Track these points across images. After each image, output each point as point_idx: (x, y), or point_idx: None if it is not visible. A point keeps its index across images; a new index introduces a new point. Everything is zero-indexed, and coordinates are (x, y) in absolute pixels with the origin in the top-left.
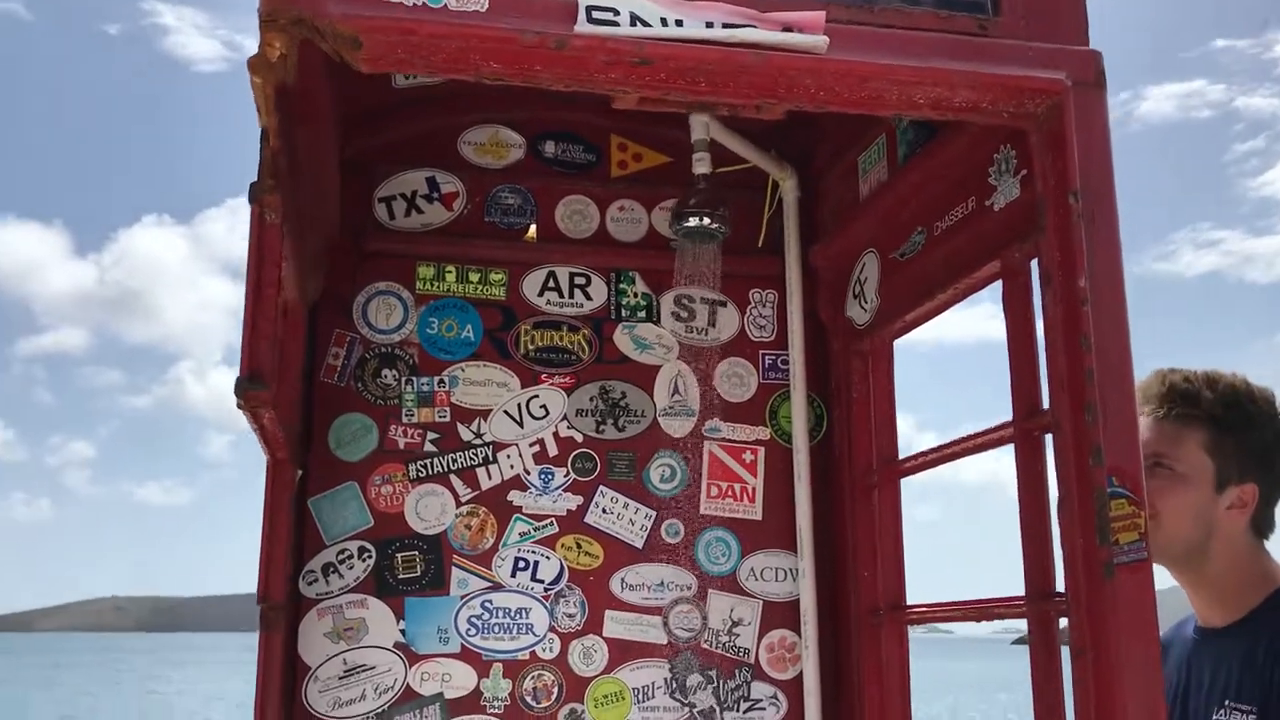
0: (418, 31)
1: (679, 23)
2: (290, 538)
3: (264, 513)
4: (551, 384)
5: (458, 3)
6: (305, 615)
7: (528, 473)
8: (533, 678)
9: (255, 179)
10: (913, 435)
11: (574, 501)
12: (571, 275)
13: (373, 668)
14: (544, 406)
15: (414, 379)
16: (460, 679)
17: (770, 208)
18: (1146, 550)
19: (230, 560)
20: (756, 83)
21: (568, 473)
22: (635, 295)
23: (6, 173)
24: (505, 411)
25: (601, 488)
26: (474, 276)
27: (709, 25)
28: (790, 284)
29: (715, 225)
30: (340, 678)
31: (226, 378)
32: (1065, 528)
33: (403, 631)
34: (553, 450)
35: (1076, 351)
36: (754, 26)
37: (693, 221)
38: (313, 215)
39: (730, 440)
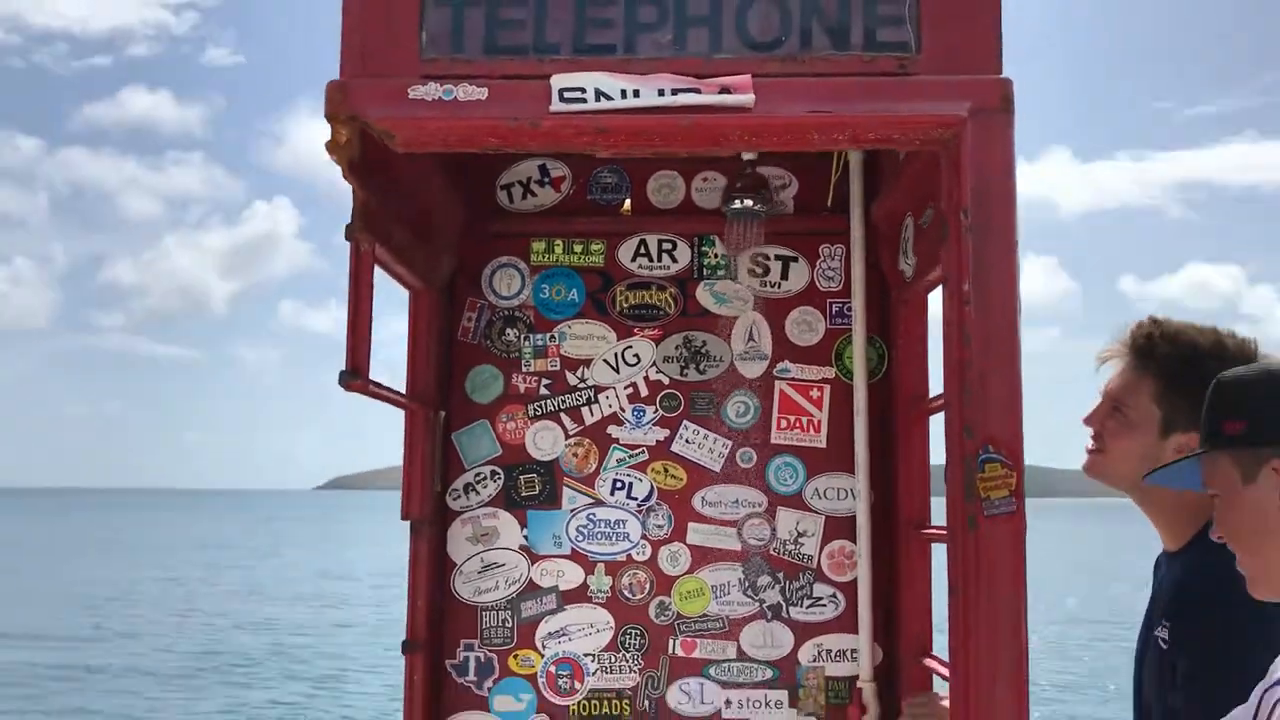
0: (433, 124)
1: (636, 93)
2: (428, 467)
3: (404, 449)
4: (642, 336)
5: (465, 95)
6: (451, 523)
7: (623, 410)
8: (629, 575)
9: (349, 221)
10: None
11: (661, 434)
12: (660, 241)
13: (503, 565)
14: (636, 355)
15: (530, 336)
16: (571, 575)
17: (837, 172)
18: (1017, 504)
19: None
20: (697, 137)
21: (656, 410)
22: (715, 256)
23: None
24: (604, 360)
25: (685, 422)
26: (578, 248)
27: (660, 93)
28: (854, 239)
29: (758, 206)
30: (479, 572)
31: None
32: (948, 487)
33: (525, 537)
34: (643, 391)
35: (958, 344)
36: (697, 91)
37: (738, 204)
38: (429, 223)
39: (799, 379)
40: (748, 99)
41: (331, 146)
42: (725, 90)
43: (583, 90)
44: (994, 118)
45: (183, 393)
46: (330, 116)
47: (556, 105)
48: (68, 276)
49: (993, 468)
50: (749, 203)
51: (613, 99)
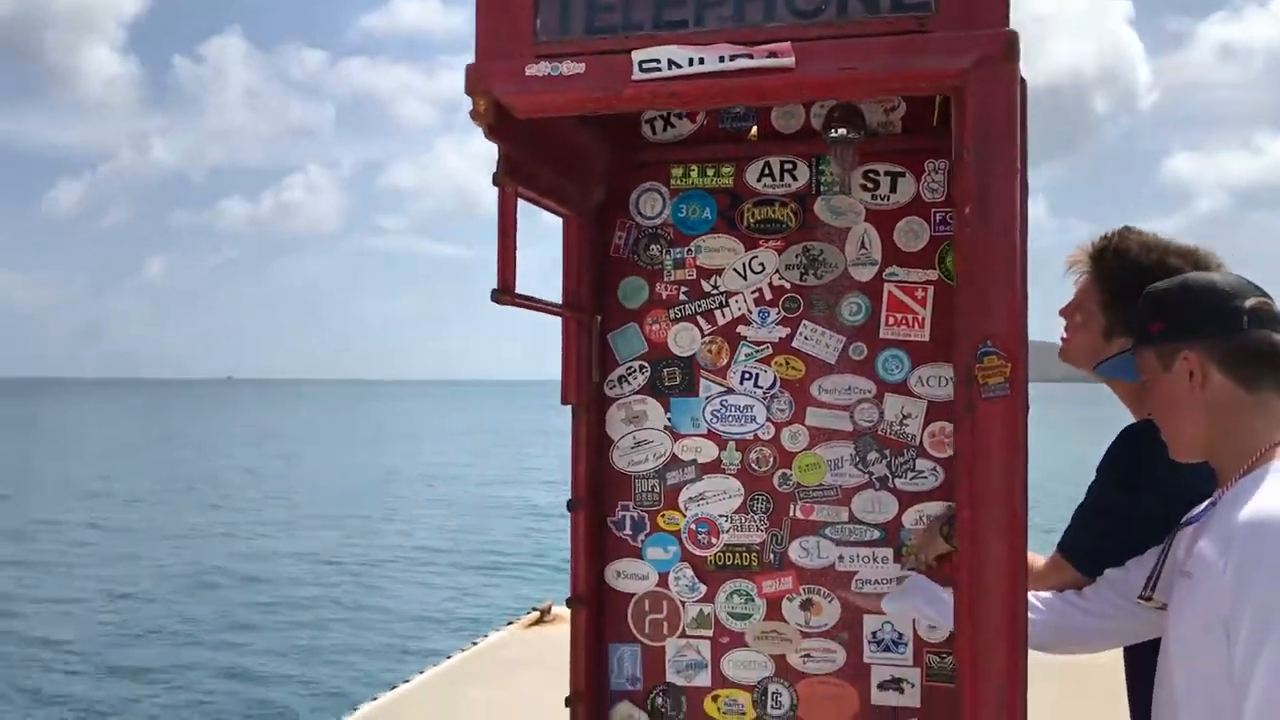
0: (543, 96)
1: (700, 60)
2: (584, 362)
3: (561, 348)
4: (767, 247)
5: (568, 70)
6: (608, 408)
7: (750, 312)
8: (755, 451)
9: (495, 171)
10: None
11: (783, 332)
12: (782, 163)
13: (651, 442)
14: (761, 264)
15: (670, 250)
16: (707, 451)
17: (940, 95)
18: (1011, 390)
19: None
20: (749, 94)
21: (778, 311)
22: (831, 174)
23: None
24: (733, 269)
25: (804, 321)
26: (710, 171)
27: (720, 59)
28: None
29: (853, 134)
30: (631, 447)
31: None
32: (955, 376)
33: (669, 419)
34: (768, 295)
35: (961, 259)
36: (749, 56)
37: (834, 133)
38: (575, 163)
39: (905, 281)
40: (789, 61)
41: (473, 115)
42: (772, 54)
43: (657, 61)
44: (997, 67)
45: (455, 290)
46: (469, 92)
47: (637, 75)
48: (353, 182)
49: (990, 359)
50: (843, 131)
51: (681, 67)
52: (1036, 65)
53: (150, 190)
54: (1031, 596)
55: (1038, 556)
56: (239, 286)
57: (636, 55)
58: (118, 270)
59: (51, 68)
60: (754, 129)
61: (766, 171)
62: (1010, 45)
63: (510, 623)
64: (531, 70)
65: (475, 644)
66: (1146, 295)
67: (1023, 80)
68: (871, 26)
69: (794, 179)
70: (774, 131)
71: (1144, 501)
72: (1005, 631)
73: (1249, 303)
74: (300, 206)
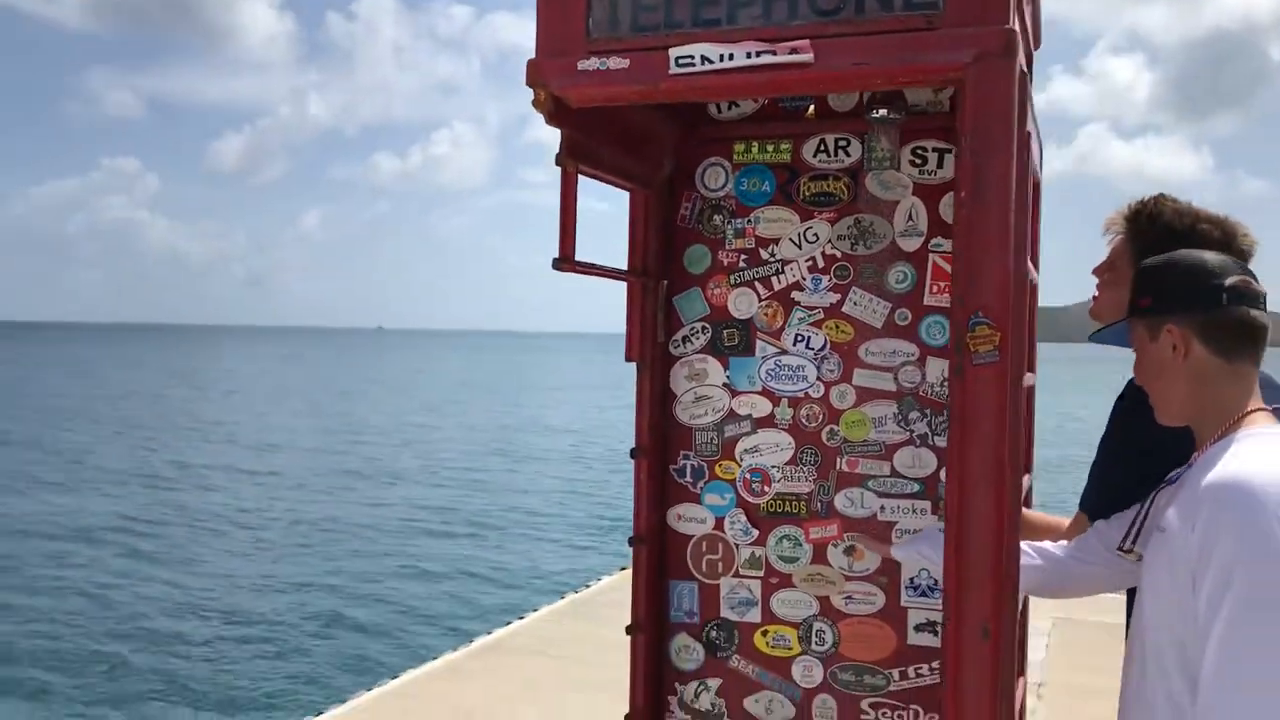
0: (592, 89)
1: (730, 56)
2: (649, 323)
3: (626, 310)
4: (821, 218)
5: (614, 65)
6: (672, 365)
7: (803, 279)
8: (806, 408)
9: (558, 153)
10: None
11: (834, 298)
12: (836, 140)
13: (710, 397)
14: (815, 234)
15: (732, 220)
16: (761, 407)
17: None
18: (1000, 356)
19: None
20: (773, 87)
21: (830, 278)
22: (881, 150)
23: None
24: (789, 239)
25: (854, 288)
26: (769, 147)
27: (747, 55)
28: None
29: (894, 114)
30: (693, 402)
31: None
32: (950, 344)
33: (728, 377)
34: (820, 264)
35: (956, 237)
36: (773, 53)
37: (877, 113)
38: (641, 141)
39: (949, 252)
40: (808, 58)
41: (535, 104)
42: (793, 50)
43: (691, 58)
44: (996, 62)
45: (601, 244)
46: (529, 84)
47: (674, 69)
48: (499, 136)
49: (981, 329)
50: (884, 111)
51: (713, 62)
52: (1203, 11)
53: (307, 144)
54: (1028, 546)
55: (1063, 519)
56: (389, 239)
57: (673, 52)
58: (277, 222)
59: (211, 26)
60: (811, 108)
61: (822, 148)
62: (1009, 42)
63: (624, 568)
64: (583, 65)
65: (589, 586)
66: (1140, 269)
67: (1023, 72)
68: (885, 24)
69: (847, 155)
70: (829, 110)
71: (1150, 457)
72: (990, 578)
73: (1229, 280)
74: (448, 161)
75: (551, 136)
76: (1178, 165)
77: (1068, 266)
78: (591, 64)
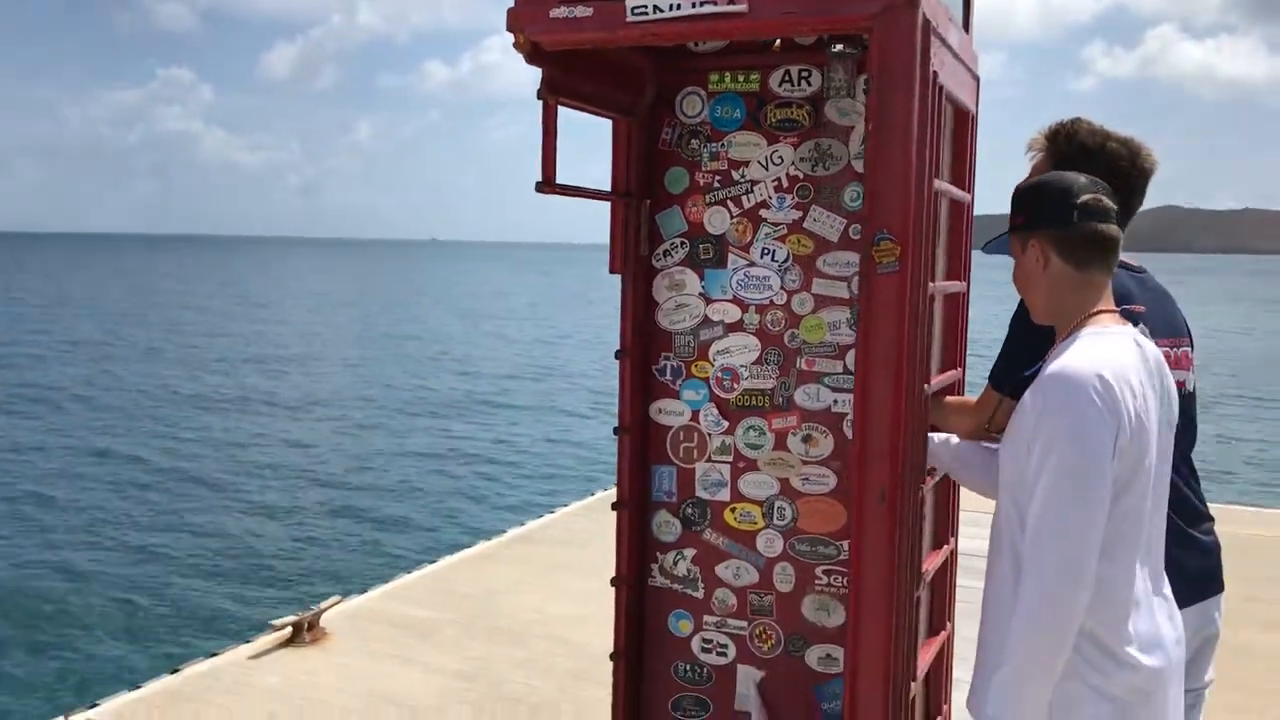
0: (562, 34)
1: (678, 6)
2: (632, 238)
3: (610, 227)
4: (785, 142)
5: (580, 13)
6: (654, 277)
7: (770, 198)
8: (770, 314)
9: (538, 88)
10: None
11: (797, 214)
12: (799, 70)
13: (688, 305)
14: (780, 157)
15: (707, 144)
16: (732, 313)
17: None
18: (900, 266)
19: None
20: (715, 33)
21: (793, 197)
22: (838, 80)
23: None
24: (758, 161)
25: (814, 205)
26: (740, 77)
27: (693, 5)
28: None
29: (850, 50)
30: (673, 309)
31: None
32: (862, 256)
33: (703, 287)
34: (784, 184)
35: (866, 165)
36: (715, 4)
37: (835, 47)
38: (621, 75)
39: None
40: (743, 8)
41: (515, 46)
42: (731, 2)
43: (645, 7)
44: (899, 13)
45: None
46: (509, 29)
47: (630, 18)
48: None
49: (884, 244)
50: (841, 46)
51: (663, 11)
52: None
53: (358, 53)
54: (954, 438)
55: (972, 398)
56: (442, 149)
57: (629, 2)
58: (330, 132)
59: None
60: (778, 41)
61: (786, 78)
62: None
63: None
64: (554, 14)
65: None
66: (1015, 192)
67: (926, 20)
68: None
69: (808, 85)
70: (794, 43)
71: (1046, 342)
72: (889, 452)
73: (1081, 199)
74: (499, 69)
75: None
76: (1251, 68)
77: None
78: (561, 12)
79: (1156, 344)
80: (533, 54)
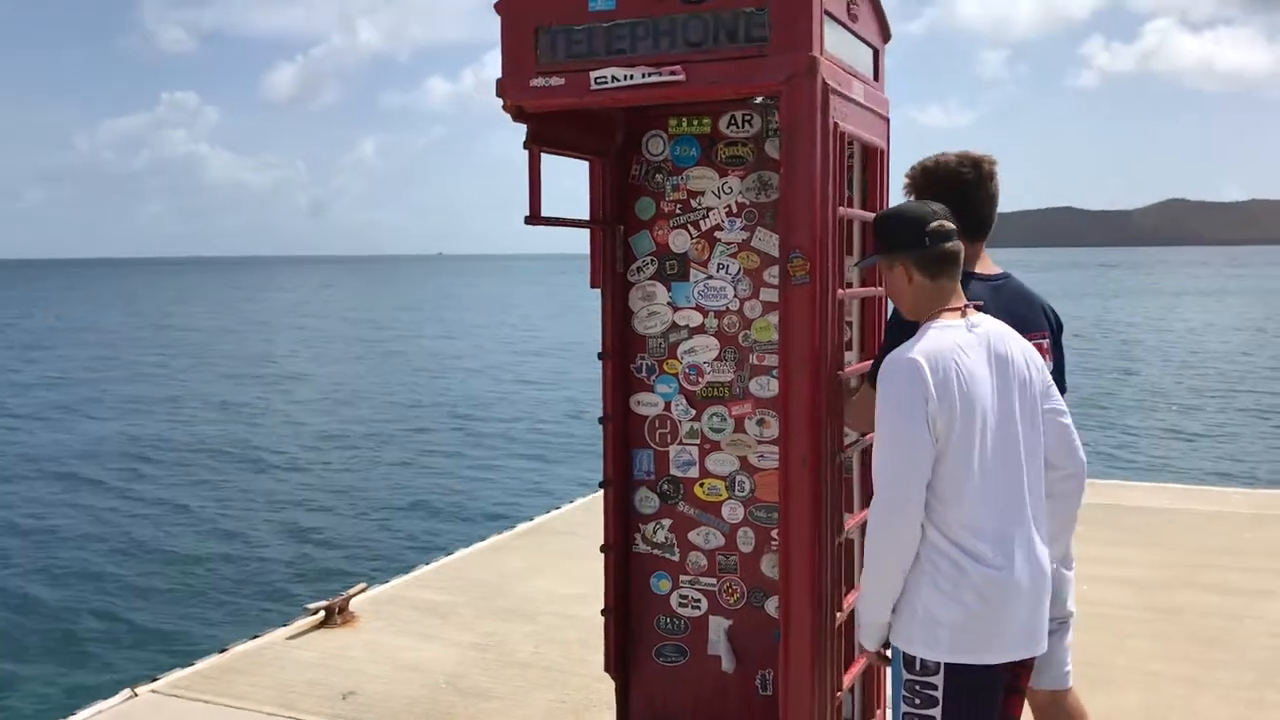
0: (540, 100)
1: (631, 76)
2: (610, 257)
3: (590, 248)
4: (734, 174)
5: (554, 83)
6: (630, 289)
7: (722, 222)
8: (727, 319)
9: (524, 139)
10: None
11: (745, 235)
12: (743, 115)
13: (658, 312)
14: (730, 187)
15: (669, 178)
16: (695, 319)
17: None
18: (811, 279)
19: (1019, 176)
20: (661, 96)
21: (742, 220)
22: (775, 122)
23: None
24: (711, 191)
25: (759, 227)
26: (694, 122)
27: (644, 75)
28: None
29: (770, 99)
30: (646, 316)
31: None
32: (780, 272)
33: (670, 297)
34: (734, 209)
35: (780, 198)
36: (659, 73)
37: (758, 99)
38: (594, 124)
39: None
40: (682, 78)
41: (504, 108)
42: (672, 73)
43: (605, 77)
44: (802, 79)
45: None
46: (497, 95)
47: (593, 86)
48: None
49: (796, 261)
50: (763, 98)
51: (620, 81)
52: None
53: (359, 71)
54: None
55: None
56: (446, 163)
57: (593, 74)
58: (335, 150)
59: None
60: None
61: (732, 122)
62: (810, 66)
63: None
64: (534, 83)
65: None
66: (874, 222)
67: (825, 83)
68: (732, 53)
69: (751, 126)
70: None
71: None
72: (807, 425)
73: (930, 226)
74: None
75: None
76: (1250, 59)
77: (1133, 170)
78: (539, 81)
79: None
80: (518, 114)
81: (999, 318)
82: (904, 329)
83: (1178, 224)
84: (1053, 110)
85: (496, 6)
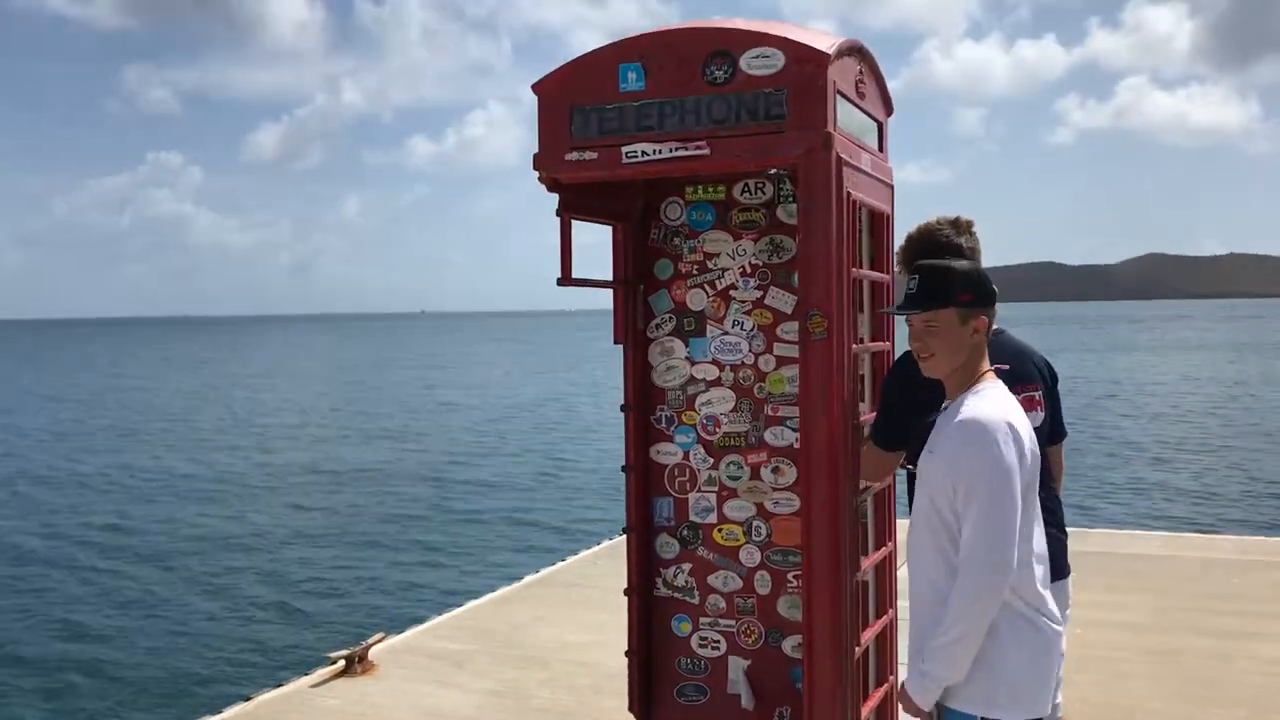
0: (574, 172)
1: (659, 150)
2: (631, 315)
3: (613, 306)
4: (747, 238)
5: (587, 157)
6: (649, 345)
7: (737, 281)
8: (742, 372)
9: (557, 207)
10: None
11: (758, 294)
12: (756, 183)
13: (677, 367)
14: (743, 250)
15: (687, 241)
16: (712, 372)
17: None
18: (828, 334)
19: (1000, 234)
20: (687, 168)
21: (756, 280)
22: (788, 187)
23: None
24: (726, 253)
25: (772, 287)
26: (710, 189)
27: (671, 150)
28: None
29: (784, 170)
30: (665, 370)
31: (973, 51)
32: (799, 328)
33: (688, 352)
34: (748, 270)
35: (799, 260)
36: (685, 148)
37: (772, 170)
38: (619, 191)
39: None
40: (707, 152)
41: (540, 180)
42: (698, 148)
43: (635, 152)
44: (817, 153)
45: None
46: (535, 168)
47: (625, 160)
48: (534, 116)
49: (815, 318)
50: (776, 170)
51: (649, 155)
52: None
53: (343, 131)
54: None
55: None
56: (429, 222)
57: (624, 148)
58: (318, 209)
59: (241, 16)
60: None
61: (746, 189)
62: (826, 141)
63: None
64: (568, 156)
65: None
66: (961, 272)
67: (839, 156)
68: (753, 129)
69: (763, 193)
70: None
71: (920, 398)
72: (828, 470)
73: (991, 285)
74: (483, 142)
75: None
76: (1223, 115)
77: (1112, 225)
78: (573, 155)
79: (1012, 389)
80: (553, 185)
81: (1009, 374)
82: (912, 385)
83: (1158, 278)
84: (1030, 167)
85: (534, 87)
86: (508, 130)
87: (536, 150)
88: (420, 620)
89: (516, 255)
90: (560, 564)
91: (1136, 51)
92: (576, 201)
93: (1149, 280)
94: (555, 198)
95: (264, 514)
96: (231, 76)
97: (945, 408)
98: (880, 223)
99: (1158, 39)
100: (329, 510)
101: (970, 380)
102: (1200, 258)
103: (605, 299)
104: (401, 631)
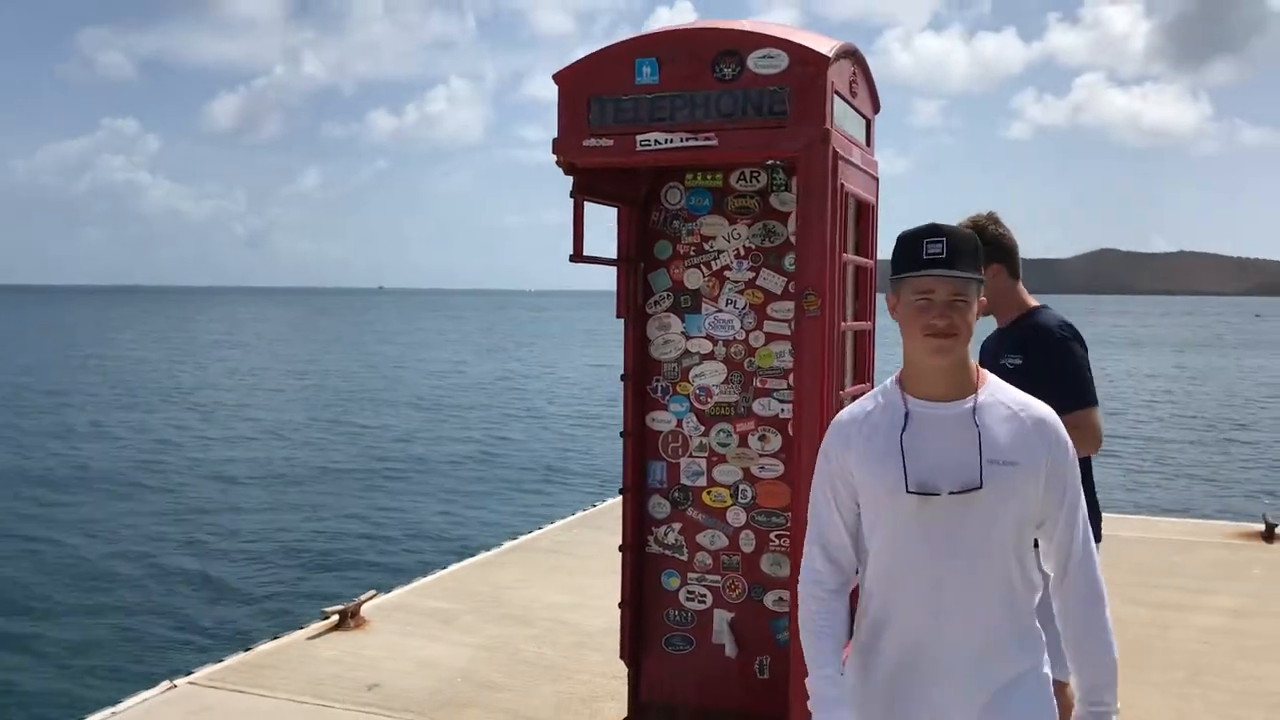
0: (591, 157)
1: (670, 139)
2: (634, 292)
3: (616, 282)
4: (741, 222)
5: (604, 143)
6: (648, 320)
7: (731, 263)
8: (734, 347)
9: (571, 189)
10: None
11: (751, 274)
12: (750, 171)
13: (672, 340)
14: (738, 234)
15: (685, 224)
16: (705, 347)
17: None
18: (822, 312)
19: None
20: (697, 158)
21: (748, 261)
22: (781, 176)
23: None
24: (722, 236)
25: (763, 269)
26: (708, 176)
27: (682, 139)
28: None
29: (779, 160)
30: (662, 344)
31: (934, 43)
32: (795, 305)
33: (684, 328)
34: (742, 252)
35: (797, 245)
36: (695, 138)
37: (769, 161)
38: (627, 175)
39: None
40: (715, 142)
41: (558, 164)
42: (707, 138)
43: (649, 140)
44: (816, 147)
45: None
46: (554, 152)
47: (638, 148)
48: (495, 94)
49: (810, 298)
50: (773, 160)
51: (661, 144)
52: None
53: (303, 103)
54: None
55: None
56: (388, 197)
57: (638, 137)
58: (275, 181)
59: None
60: None
61: (741, 177)
62: (824, 136)
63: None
64: (586, 143)
65: (594, 506)
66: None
67: (835, 151)
68: (757, 123)
69: (757, 181)
70: None
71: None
72: (818, 434)
73: None
74: (444, 118)
75: (548, 94)
76: (1177, 115)
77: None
78: (591, 142)
79: None
80: (569, 169)
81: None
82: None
83: (1108, 273)
84: (987, 160)
85: (555, 77)
86: (470, 107)
87: (555, 136)
88: (407, 580)
89: (474, 233)
90: (538, 531)
91: (1094, 49)
92: (589, 184)
93: (1100, 275)
94: (514, 179)
95: (246, 485)
96: (190, 43)
97: (972, 407)
98: (866, 212)
99: (1115, 37)
100: (307, 472)
101: (974, 372)
102: (1150, 254)
103: (567, 281)
104: (390, 590)
